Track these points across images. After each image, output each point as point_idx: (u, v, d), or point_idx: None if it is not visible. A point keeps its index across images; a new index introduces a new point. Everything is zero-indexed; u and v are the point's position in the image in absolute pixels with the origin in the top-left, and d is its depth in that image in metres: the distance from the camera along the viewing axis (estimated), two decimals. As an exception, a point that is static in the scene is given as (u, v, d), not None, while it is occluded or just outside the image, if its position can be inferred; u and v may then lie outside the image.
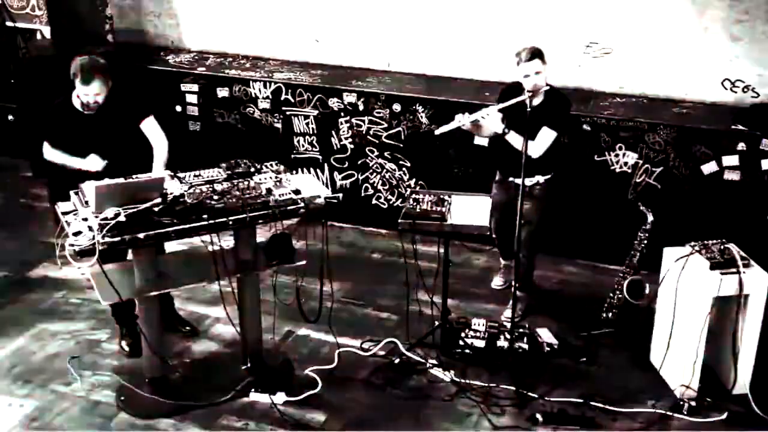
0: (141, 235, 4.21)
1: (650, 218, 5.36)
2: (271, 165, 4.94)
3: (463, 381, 4.93)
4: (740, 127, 5.74)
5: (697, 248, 4.75)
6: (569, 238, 6.24)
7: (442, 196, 5.10)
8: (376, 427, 4.60)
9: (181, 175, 4.68)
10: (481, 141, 6.04)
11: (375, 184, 6.75)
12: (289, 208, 4.54)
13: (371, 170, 6.71)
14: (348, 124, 6.63)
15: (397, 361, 5.11)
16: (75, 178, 4.55)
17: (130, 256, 4.61)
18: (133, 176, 4.45)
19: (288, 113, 6.77)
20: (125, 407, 4.71)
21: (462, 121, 5.12)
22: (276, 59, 7.27)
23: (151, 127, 4.98)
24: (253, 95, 6.81)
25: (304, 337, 5.37)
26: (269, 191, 4.61)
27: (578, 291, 5.94)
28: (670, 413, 4.69)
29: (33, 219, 6.85)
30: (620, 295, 5.46)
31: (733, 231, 5.16)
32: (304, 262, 4.80)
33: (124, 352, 5.20)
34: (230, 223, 4.42)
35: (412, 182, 6.63)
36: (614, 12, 6.25)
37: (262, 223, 4.54)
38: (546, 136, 5.12)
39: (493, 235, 5.65)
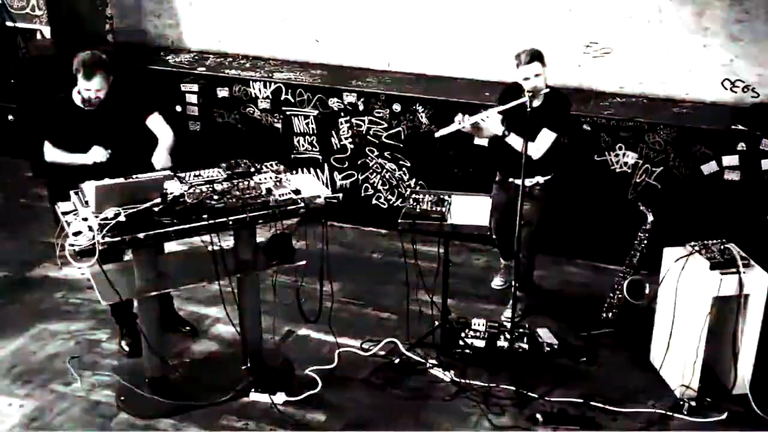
0: (141, 235, 4.21)
1: (650, 218, 5.36)
2: (271, 165, 4.94)
3: (463, 381, 4.93)
4: (740, 127, 5.74)
5: (697, 248, 4.75)
6: (569, 238, 6.24)
7: (442, 196, 5.10)
8: (376, 427, 4.60)
9: (181, 175, 4.68)
10: (480, 141, 6.04)
11: (375, 184, 6.75)
12: (289, 208, 4.54)
13: (371, 170, 6.71)
14: (348, 124, 6.63)
15: (397, 361, 5.11)
16: (75, 177, 4.54)
17: (128, 256, 4.61)
18: (133, 176, 4.45)
19: (288, 113, 6.77)
20: (125, 407, 4.71)
21: (462, 123, 5.12)
22: (276, 59, 7.27)
23: (157, 123, 4.97)
24: (253, 95, 6.81)
25: (304, 337, 5.37)
26: (269, 191, 4.61)
27: (578, 291, 5.94)
28: (670, 413, 4.69)
29: (33, 219, 6.84)
30: (620, 295, 5.46)
31: (733, 231, 5.16)
32: (304, 262, 4.80)
33: (124, 352, 5.19)
34: (230, 223, 4.42)
35: (412, 182, 6.63)
36: (614, 12, 6.25)
37: (262, 223, 4.54)
38: (546, 138, 5.12)
39: (493, 236, 5.65)
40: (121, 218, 4.18)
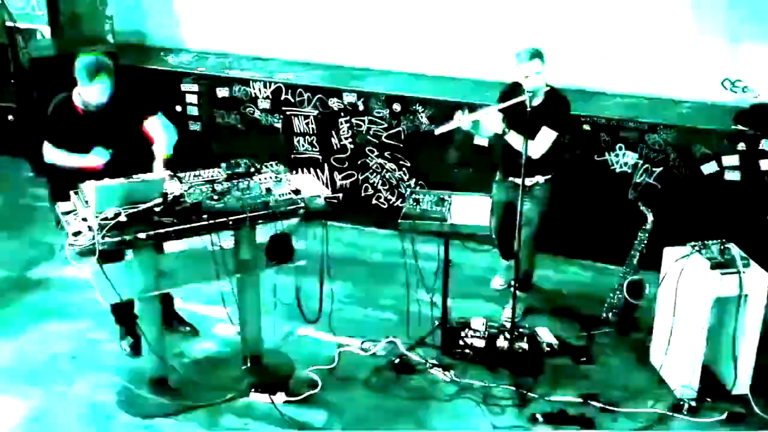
0: (141, 235, 4.21)
1: (650, 218, 5.36)
2: (271, 165, 4.94)
3: (463, 381, 4.93)
4: (740, 127, 5.74)
5: (697, 248, 4.75)
6: (569, 238, 6.24)
7: (442, 196, 5.10)
8: (376, 427, 4.60)
9: (181, 175, 4.67)
10: (480, 141, 6.04)
11: (375, 184, 6.74)
12: (289, 208, 4.54)
13: (371, 170, 6.71)
14: (348, 124, 6.63)
15: (397, 361, 5.11)
16: (75, 177, 4.53)
17: (129, 256, 4.61)
18: (133, 176, 4.44)
19: (288, 113, 6.77)
20: (125, 407, 4.71)
21: (462, 121, 5.11)
22: (276, 59, 7.27)
23: (155, 126, 4.95)
24: (253, 95, 6.80)
25: (304, 337, 5.37)
26: (269, 191, 4.61)
27: (578, 291, 5.94)
28: (670, 413, 4.69)
29: (33, 219, 6.85)
30: (620, 295, 5.46)
31: (733, 231, 5.16)
32: (304, 262, 4.80)
33: (124, 352, 5.20)
34: (230, 223, 4.42)
35: (412, 182, 6.63)
36: (614, 12, 6.25)
37: (262, 223, 4.54)
38: (546, 136, 5.11)
39: (493, 235, 5.64)
40: (122, 218, 4.18)
